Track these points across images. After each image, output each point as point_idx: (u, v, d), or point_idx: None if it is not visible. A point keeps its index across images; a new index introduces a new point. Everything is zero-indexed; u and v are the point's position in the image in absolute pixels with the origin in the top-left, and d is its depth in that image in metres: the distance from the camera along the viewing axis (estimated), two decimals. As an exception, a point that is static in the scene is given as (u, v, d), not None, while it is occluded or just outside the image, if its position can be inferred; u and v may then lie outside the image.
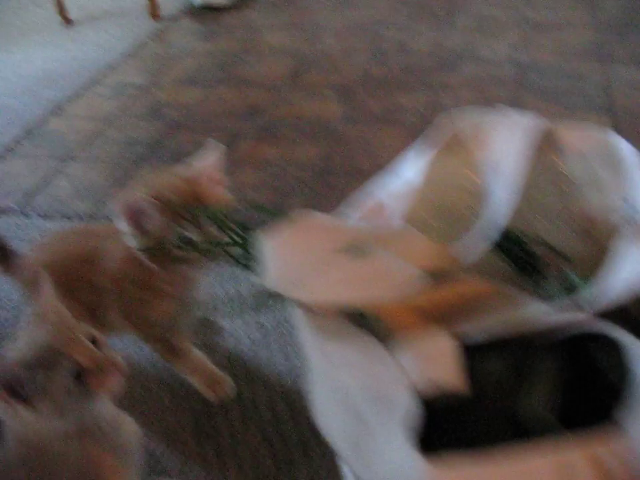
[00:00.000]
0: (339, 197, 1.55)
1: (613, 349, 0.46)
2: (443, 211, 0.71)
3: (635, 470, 0.37)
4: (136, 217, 0.87)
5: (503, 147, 0.66)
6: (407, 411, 0.41)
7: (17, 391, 0.63)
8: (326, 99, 2.02)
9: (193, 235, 0.87)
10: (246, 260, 0.57)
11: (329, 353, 0.49)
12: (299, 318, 0.53)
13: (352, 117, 1.90)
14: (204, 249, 0.84)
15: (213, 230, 0.85)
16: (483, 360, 0.49)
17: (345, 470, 0.69)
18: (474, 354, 0.47)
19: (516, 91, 1.94)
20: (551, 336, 0.49)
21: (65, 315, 0.71)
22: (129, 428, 0.79)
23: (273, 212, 0.59)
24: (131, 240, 0.90)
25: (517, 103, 1.87)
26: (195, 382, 1.09)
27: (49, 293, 0.71)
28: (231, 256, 0.60)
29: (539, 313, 0.50)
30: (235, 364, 1.18)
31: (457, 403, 0.46)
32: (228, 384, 1.09)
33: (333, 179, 1.65)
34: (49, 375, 0.64)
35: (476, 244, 0.59)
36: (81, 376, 0.66)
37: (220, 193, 0.92)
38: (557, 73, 2.01)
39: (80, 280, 1.01)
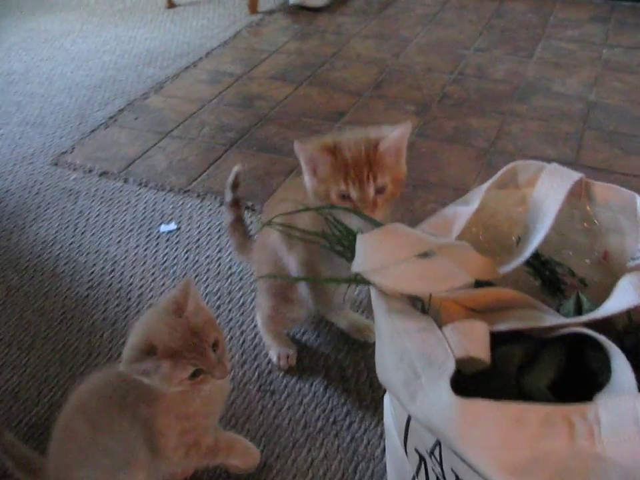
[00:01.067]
0: (407, 205, 1.74)
1: (598, 348, 0.64)
2: (491, 231, 0.90)
3: (592, 431, 0.56)
4: (311, 163, 1.02)
5: (548, 189, 0.84)
6: (447, 368, 0.60)
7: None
8: (404, 112, 2.20)
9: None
10: (343, 249, 0.77)
11: (394, 323, 0.68)
12: (375, 296, 0.73)
13: (425, 132, 2.08)
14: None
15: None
16: (504, 344, 0.68)
17: (386, 403, 0.92)
18: (498, 339, 0.66)
19: (579, 128, 2.09)
20: (556, 333, 0.67)
21: (204, 317, 0.90)
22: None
23: (371, 220, 0.79)
24: (306, 180, 1.05)
25: (578, 139, 2.02)
26: None
27: (195, 295, 0.90)
28: (332, 243, 0.79)
29: (551, 317, 0.69)
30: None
31: (481, 371, 0.65)
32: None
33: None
34: (173, 367, 0.85)
35: (513, 261, 0.78)
36: (195, 374, 0.87)
37: (392, 163, 1.02)
38: (622, 116, 2.14)
39: None
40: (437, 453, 0.76)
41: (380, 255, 0.69)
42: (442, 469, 0.75)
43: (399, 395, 0.65)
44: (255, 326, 1.40)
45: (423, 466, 0.82)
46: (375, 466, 1.13)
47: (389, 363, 0.69)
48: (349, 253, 0.76)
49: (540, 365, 0.66)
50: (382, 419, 1.19)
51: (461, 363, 0.63)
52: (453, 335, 0.64)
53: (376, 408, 1.22)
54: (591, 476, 0.55)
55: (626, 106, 2.21)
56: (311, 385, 1.28)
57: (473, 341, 0.63)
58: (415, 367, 0.64)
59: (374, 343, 1.33)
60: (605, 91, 2.31)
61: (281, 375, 1.30)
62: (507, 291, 0.75)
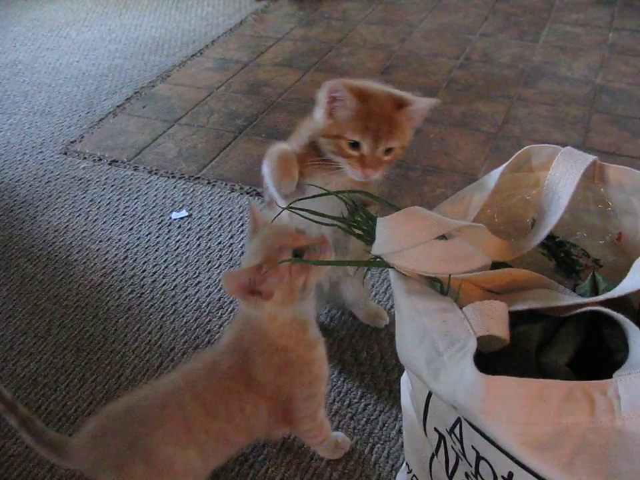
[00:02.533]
0: (416, 190, 1.75)
1: (615, 326, 0.65)
2: (505, 213, 0.91)
3: (612, 406, 0.57)
4: (332, 99, 0.99)
5: (563, 171, 0.85)
6: (469, 346, 0.62)
7: (256, 289, 0.88)
8: (410, 97, 2.20)
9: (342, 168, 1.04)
10: (363, 233, 0.78)
11: (415, 304, 0.70)
12: (395, 278, 0.74)
13: (433, 117, 2.09)
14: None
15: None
16: (522, 322, 0.69)
17: (403, 384, 0.95)
18: (517, 318, 0.68)
19: (587, 112, 2.09)
20: (573, 312, 0.68)
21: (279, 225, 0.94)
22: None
23: (390, 204, 0.80)
24: (318, 115, 1.05)
25: (585, 123, 2.02)
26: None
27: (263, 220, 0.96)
28: (352, 227, 0.80)
29: (568, 296, 0.70)
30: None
31: (501, 350, 0.66)
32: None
33: (411, 173, 1.84)
34: (276, 269, 0.87)
35: (529, 242, 0.79)
36: (299, 255, 0.89)
37: (406, 134, 1.03)
38: (630, 99, 2.14)
39: None
40: (457, 430, 0.78)
41: (400, 237, 0.71)
42: (462, 446, 0.77)
43: (422, 374, 0.66)
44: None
45: (442, 444, 0.83)
46: (390, 447, 1.14)
47: (410, 344, 0.71)
48: (368, 236, 0.77)
49: (559, 342, 0.68)
50: (396, 401, 1.21)
51: (481, 342, 0.65)
52: (474, 314, 0.65)
53: (390, 390, 1.24)
54: (611, 450, 0.57)
55: (633, 89, 2.21)
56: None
57: (493, 319, 0.64)
58: (436, 346, 0.65)
59: (386, 327, 1.36)
60: (611, 74, 2.31)
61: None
62: (524, 272, 0.76)
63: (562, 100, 2.17)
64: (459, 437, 0.78)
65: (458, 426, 0.77)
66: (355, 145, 1.01)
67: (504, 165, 0.90)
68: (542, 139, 1.95)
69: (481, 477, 0.75)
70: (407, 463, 0.98)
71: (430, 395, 0.83)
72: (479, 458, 0.74)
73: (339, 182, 1.07)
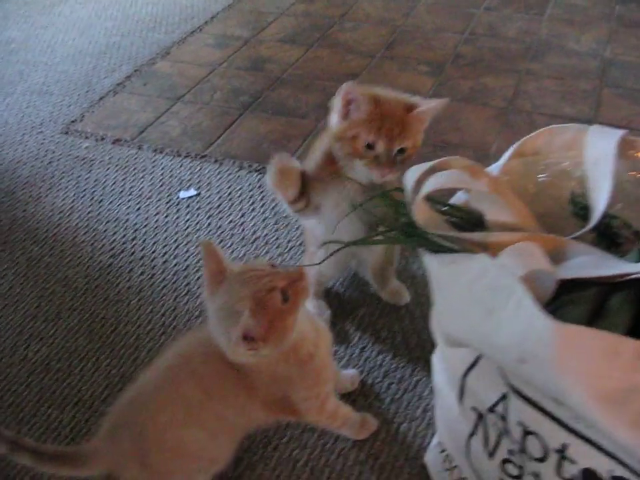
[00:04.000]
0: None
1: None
2: (541, 185, 0.89)
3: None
4: (348, 103, 1.04)
5: (601, 146, 0.83)
6: (519, 291, 0.60)
7: (252, 337, 0.81)
8: (418, 72, 2.17)
9: (359, 171, 1.07)
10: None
11: (453, 272, 0.70)
12: (428, 256, 0.75)
13: (441, 92, 2.05)
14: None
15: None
16: (574, 290, 0.67)
17: (436, 363, 0.93)
18: (569, 286, 0.66)
19: (597, 85, 2.06)
20: (622, 279, 0.67)
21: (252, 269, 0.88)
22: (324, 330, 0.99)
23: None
24: (333, 120, 1.08)
25: (596, 97, 1.99)
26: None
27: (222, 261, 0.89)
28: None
29: (617, 264, 0.69)
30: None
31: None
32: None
33: (423, 149, 1.79)
34: (278, 312, 0.83)
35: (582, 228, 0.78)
36: (286, 295, 0.84)
37: (418, 135, 1.07)
38: (639, 73, 2.11)
39: None
40: (499, 408, 0.76)
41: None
42: (506, 423, 0.75)
43: (476, 337, 0.65)
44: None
45: (481, 423, 0.81)
46: (417, 426, 1.12)
47: (456, 313, 0.70)
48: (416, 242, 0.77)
49: (611, 313, 0.66)
50: (420, 379, 1.19)
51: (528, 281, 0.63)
52: (510, 257, 0.65)
53: (413, 369, 1.21)
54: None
55: (642, 62, 2.18)
56: (346, 347, 1.27)
57: (530, 256, 0.64)
58: (486, 304, 0.64)
59: (405, 305, 1.34)
60: (620, 47, 2.28)
61: (315, 338, 1.29)
62: (566, 239, 0.74)
63: (571, 74, 2.13)
64: (502, 414, 0.76)
65: (501, 403, 0.75)
66: (370, 147, 1.05)
67: (523, 139, 0.89)
68: (553, 114, 1.92)
69: (527, 453, 0.73)
70: (439, 442, 0.96)
71: (466, 373, 0.81)
72: (526, 433, 0.72)
73: (350, 194, 1.12)
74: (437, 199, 0.83)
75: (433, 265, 0.76)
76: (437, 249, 0.77)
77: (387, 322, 1.31)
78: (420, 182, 0.80)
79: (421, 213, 0.78)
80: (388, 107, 1.04)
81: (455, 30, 2.46)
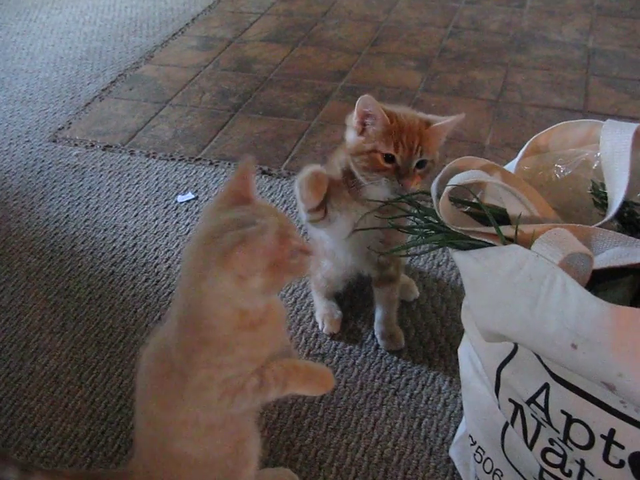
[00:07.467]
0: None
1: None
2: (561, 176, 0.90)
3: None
4: (364, 115, 1.04)
5: (617, 140, 0.84)
6: (559, 278, 0.61)
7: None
8: (406, 68, 2.17)
9: (381, 186, 1.06)
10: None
11: (486, 267, 0.71)
12: (458, 254, 0.76)
13: (431, 87, 2.06)
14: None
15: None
16: (608, 279, 0.68)
17: (463, 357, 0.94)
18: (600, 276, 0.67)
19: (583, 75, 2.08)
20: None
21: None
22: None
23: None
24: (350, 135, 1.09)
25: (583, 87, 2.01)
26: None
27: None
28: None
29: None
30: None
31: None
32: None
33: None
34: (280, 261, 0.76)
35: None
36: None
37: (434, 148, 1.07)
38: (623, 61, 2.14)
39: None
40: (540, 399, 0.76)
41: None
42: (547, 413, 0.75)
43: (518, 331, 0.66)
44: (294, 290, 1.38)
45: (519, 414, 0.81)
46: (438, 420, 1.13)
47: (495, 307, 0.70)
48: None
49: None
50: (438, 373, 1.20)
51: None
52: (544, 245, 0.65)
53: (430, 364, 1.22)
54: None
55: (625, 51, 2.21)
56: (361, 345, 1.27)
57: (564, 240, 0.64)
58: (528, 294, 0.65)
59: (415, 301, 1.34)
60: (602, 36, 2.31)
61: (329, 338, 1.28)
62: (595, 228, 0.75)
63: (557, 64, 2.15)
64: (542, 405, 0.76)
65: (542, 394, 0.75)
66: (389, 159, 1.04)
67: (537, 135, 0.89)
68: (544, 104, 1.94)
69: (571, 441, 0.73)
70: (469, 435, 0.96)
71: (502, 366, 0.81)
72: (570, 421, 0.72)
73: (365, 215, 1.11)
74: (460, 199, 0.84)
75: (467, 262, 0.76)
76: (467, 246, 0.77)
77: (400, 318, 1.30)
78: (442, 183, 0.81)
79: (447, 212, 0.78)
80: (405, 121, 1.04)
81: (438, 24, 2.47)
